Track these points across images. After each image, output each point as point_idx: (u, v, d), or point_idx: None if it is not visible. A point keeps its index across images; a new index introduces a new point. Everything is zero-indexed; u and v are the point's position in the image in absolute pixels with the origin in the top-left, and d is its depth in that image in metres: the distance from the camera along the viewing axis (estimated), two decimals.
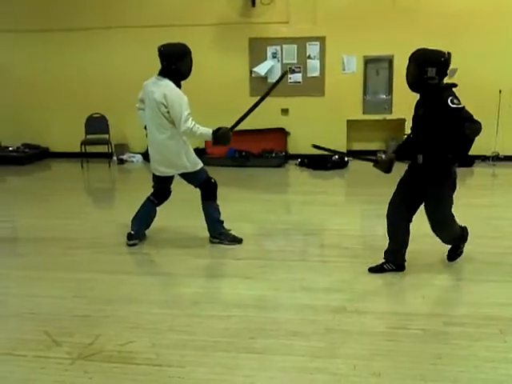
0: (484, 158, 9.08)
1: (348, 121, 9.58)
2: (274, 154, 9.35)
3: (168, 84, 4.42)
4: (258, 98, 4.71)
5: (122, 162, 9.73)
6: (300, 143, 9.60)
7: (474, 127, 3.56)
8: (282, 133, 9.57)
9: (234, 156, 9.17)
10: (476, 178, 8.34)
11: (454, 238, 4.13)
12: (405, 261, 4.13)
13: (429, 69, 3.63)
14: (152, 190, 4.92)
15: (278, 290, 3.88)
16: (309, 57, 9.48)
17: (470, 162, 8.87)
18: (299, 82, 9.50)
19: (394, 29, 9.04)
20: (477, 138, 7.69)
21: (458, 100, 3.61)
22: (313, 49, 9.44)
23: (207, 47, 9.46)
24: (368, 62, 9.50)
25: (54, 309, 3.60)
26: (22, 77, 10.03)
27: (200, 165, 4.74)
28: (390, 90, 9.59)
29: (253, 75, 9.60)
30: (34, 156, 9.93)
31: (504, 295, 3.72)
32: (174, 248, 4.83)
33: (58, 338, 3.18)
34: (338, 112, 9.46)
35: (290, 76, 9.50)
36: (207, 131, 4.45)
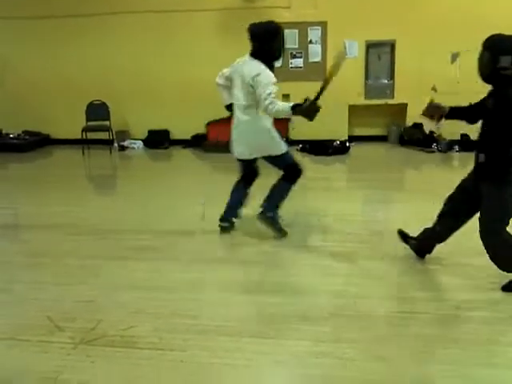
0: None
1: (350, 106, 9.55)
2: None
3: (257, 65, 4.22)
4: None
5: (123, 148, 9.72)
6: (301, 129, 9.56)
7: None
8: (283, 118, 9.49)
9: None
10: None
11: (506, 255, 3.53)
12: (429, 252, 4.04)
13: (502, 57, 3.22)
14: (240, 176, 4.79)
15: (280, 275, 3.89)
16: (310, 42, 9.42)
17: (471, 146, 8.82)
18: (301, 67, 9.46)
19: (396, 13, 8.98)
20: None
21: None
22: (314, 33, 9.37)
23: (210, 33, 9.44)
24: (370, 46, 9.44)
25: (58, 295, 3.61)
26: (22, 64, 9.99)
27: (286, 148, 4.53)
28: (391, 75, 9.55)
29: None
30: (34, 143, 9.93)
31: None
32: (176, 235, 4.83)
33: (61, 323, 3.19)
34: (339, 97, 9.36)
35: (291, 61, 9.46)
36: (285, 106, 4.10)
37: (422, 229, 3.94)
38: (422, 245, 4.04)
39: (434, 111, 3.68)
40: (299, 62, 9.48)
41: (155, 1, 9.38)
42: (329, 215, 5.52)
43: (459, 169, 8.10)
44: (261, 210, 4.66)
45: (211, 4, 9.29)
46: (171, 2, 9.28)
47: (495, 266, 3.53)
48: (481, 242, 3.47)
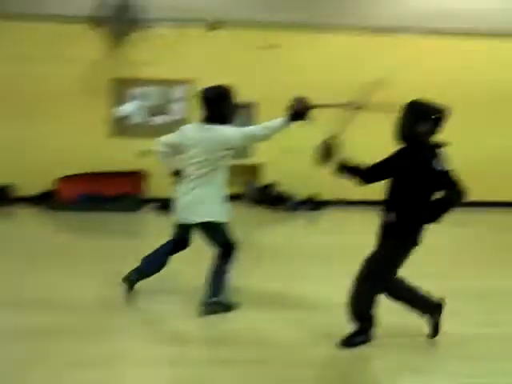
0: (335, 203, 9.48)
1: None
2: (131, 198, 8.96)
3: (221, 128, 4.09)
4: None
5: None
6: (159, 186, 9.34)
7: (461, 196, 3.34)
8: (138, 175, 9.25)
9: (85, 200, 8.66)
10: (325, 222, 8.62)
11: (360, 304, 3.56)
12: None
13: (420, 124, 3.34)
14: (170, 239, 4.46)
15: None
16: (174, 100, 9.43)
17: (320, 206, 9.27)
18: (162, 125, 9.36)
19: (259, 75, 9.29)
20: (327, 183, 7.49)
21: (444, 161, 3.37)
22: (178, 92, 9.41)
23: (68, 84, 9.02)
24: None
25: None
26: None
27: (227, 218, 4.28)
28: None
29: (114, 116, 9.29)
30: None
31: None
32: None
33: None
34: None
35: (153, 118, 9.39)
36: (276, 122, 4.01)
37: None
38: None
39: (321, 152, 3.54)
40: (162, 119, 9.43)
41: None
42: (182, 276, 5.26)
43: (306, 227, 8.41)
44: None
45: (70, 55, 8.94)
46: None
47: None
48: None
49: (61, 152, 9.00)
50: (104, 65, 9.17)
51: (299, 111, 3.99)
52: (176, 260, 4.50)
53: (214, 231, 4.22)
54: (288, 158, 9.58)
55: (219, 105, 4.16)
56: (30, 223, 8.07)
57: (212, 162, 4.13)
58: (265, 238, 7.68)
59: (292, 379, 3.17)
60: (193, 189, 4.17)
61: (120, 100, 9.31)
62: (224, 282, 4.23)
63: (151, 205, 9.03)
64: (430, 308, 3.65)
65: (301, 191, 9.37)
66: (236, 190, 9.89)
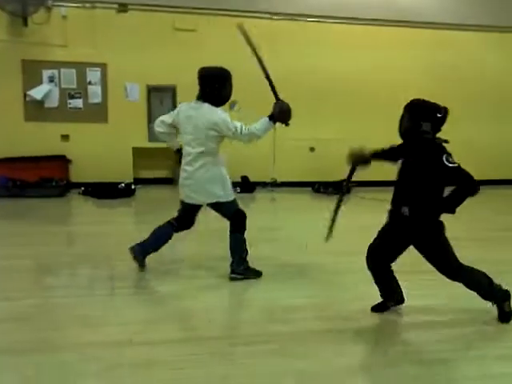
0: (264, 184, 9.76)
1: (133, 148, 9.46)
2: (54, 183, 8.72)
3: (211, 108, 4.31)
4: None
5: None
6: (83, 171, 9.17)
7: (474, 189, 3.40)
8: (62, 160, 9.00)
9: (6, 185, 8.33)
10: (258, 203, 8.88)
11: (476, 283, 3.67)
12: (401, 292, 3.89)
13: (424, 123, 3.46)
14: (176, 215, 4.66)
15: (59, 329, 3.53)
16: (89, 83, 9.16)
17: (251, 188, 9.46)
18: (80, 108, 9.11)
19: (175, 58, 9.26)
20: (258, 165, 8.16)
21: (452, 157, 3.45)
22: (93, 75, 9.16)
23: None
24: (151, 90, 9.55)
25: None
26: None
27: (233, 196, 4.52)
28: None
29: (27, 99, 8.91)
30: None
31: (281, 311, 3.94)
32: None
33: None
34: (122, 139, 9.29)
35: (69, 101, 9.08)
36: (263, 121, 4.38)
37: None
38: (398, 295, 3.92)
39: (358, 160, 3.84)
40: (78, 102, 9.14)
41: None
42: (113, 261, 5.28)
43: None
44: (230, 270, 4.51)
45: None
46: None
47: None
48: None
49: None
50: (10, 45, 8.76)
51: (282, 116, 4.44)
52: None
53: (220, 208, 4.50)
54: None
55: (214, 85, 4.34)
56: None
57: (202, 141, 4.29)
58: None
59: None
60: (193, 168, 4.37)
61: (31, 83, 8.95)
62: (244, 250, 4.51)
63: (75, 190, 8.84)
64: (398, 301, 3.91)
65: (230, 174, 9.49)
66: (167, 173, 9.93)
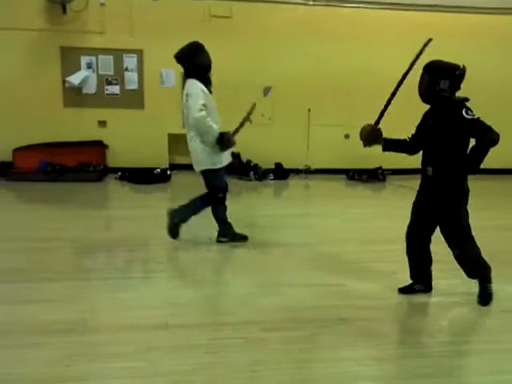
0: (298, 171, 9.73)
1: (169, 134, 9.54)
2: (91, 168, 8.89)
3: (190, 82, 4.75)
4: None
5: None
6: (120, 156, 9.31)
7: (493, 137, 3.45)
8: (99, 145, 9.17)
9: (46, 170, 8.51)
10: (291, 190, 8.88)
11: (474, 258, 3.80)
12: (431, 280, 3.99)
13: (442, 81, 3.57)
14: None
15: (97, 311, 3.64)
16: (126, 69, 9.26)
17: (284, 175, 9.46)
18: (117, 95, 9.23)
19: (210, 46, 9.22)
20: (292, 152, 8.20)
21: (472, 111, 3.55)
22: (130, 61, 9.25)
23: (16, 54, 8.75)
24: None
25: None
26: None
27: (218, 166, 4.89)
28: None
29: (66, 85, 9.08)
30: None
31: (313, 298, 3.95)
32: None
33: None
34: (158, 125, 9.38)
35: (106, 88, 9.21)
36: (214, 129, 4.70)
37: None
38: (427, 281, 4.01)
39: (372, 140, 3.96)
40: (115, 88, 9.25)
41: None
42: (149, 244, 5.38)
43: (274, 195, 8.57)
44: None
45: (16, 24, 8.61)
46: None
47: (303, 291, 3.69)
48: None
49: (17, 122, 8.78)
50: (49, 33, 8.91)
51: (227, 142, 4.82)
52: None
53: (205, 178, 4.95)
54: (248, 129, 9.70)
55: (189, 61, 4.83)
56: None
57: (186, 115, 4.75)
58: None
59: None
60: (189, 139, 4.88)
61: (70, 70, 9.10)
62: (223, 217, 5.04)
63: (112, 175, 9.01)
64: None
65: (263, 161, 9.51)
66: None
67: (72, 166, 8.81)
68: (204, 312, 3.66)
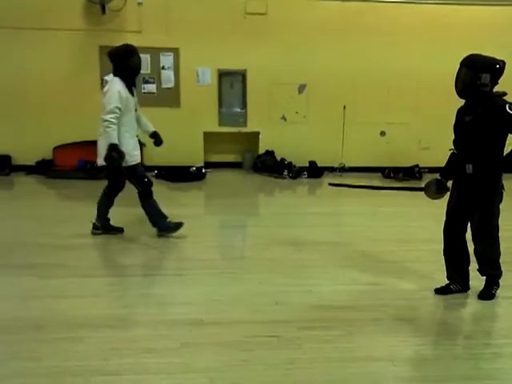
0: (332, 170, 9.66)
1: (205, 133, 9.62)
2: None
3: (112, 80, 4.87)
4: None
5: None
6: (156, 154, 9.42)
7: None
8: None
9: (84, 168, 8.69)
10: (325, 188, 8.82)
11: (493, 256, 3.80)
12: (469, 280, 3.94)
13: (483, 75, 3.49)
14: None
15: (132, 307, 3.70)
16: (163, 67, 9.38)
17: (318, 173, 9.41)
18: (154, 93, 9.35)
19: (246, 43, 9.30)
20: (326, 150, 8.13)
21: None
22: (166, 60, 9.36)
23: (58, 54, 8.96)
24: (222, 74, 9.64)
25: None
26: None
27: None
28: (244, 104, 9.82)
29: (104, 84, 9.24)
30: None
31: (348, 297, 3.92)
32: (13, 268, 4.40)
33: None
34: (194, 124, 9.46)
35: (143, 86, 9.34)
36: (113, 137, 4.73)
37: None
38: (464, 281, 3.96)
39: (430, 190, 3.96)
40: (152, 87, 9.38)
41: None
42: (184, 242, 5.44)
43: (307, 194, 8.55)
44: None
45: (56, 24, 8.82)
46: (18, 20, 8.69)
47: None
48: None
49: (57, 121, 8.99)
50: (88, 32, 9.08)
51: (110, 157, 4.76)
52: None
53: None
54: (282, 127, 9.72)
55: (119, 60, 4.91)
56: (30, 191, 8.14)
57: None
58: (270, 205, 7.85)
59: None
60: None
61: (108, 69, 9.25)
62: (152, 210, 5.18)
63: (149, 173, 9.12)
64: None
65: (297, 159, 9.48)
66: (236, 157, 10.06)
67: None
68: (238, 310, 3.67)
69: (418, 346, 3.19)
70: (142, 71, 9.24)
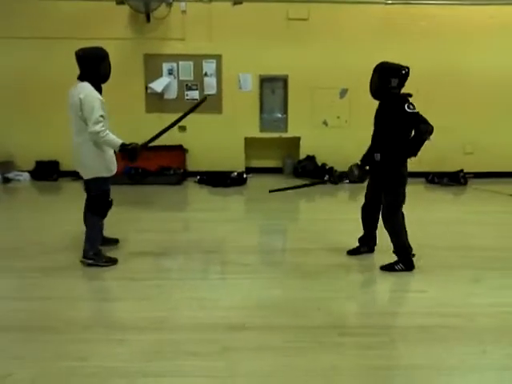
0: None
1: (246, 138, 9.69)
2: (172, 171, 9.20)
3: (84, 86, 4.37)
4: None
5: (7, 180, 9.10)
6: (199, 160, 9.56)
7: (427, 128, 4.11)
8: (179, 150, 9.46)
9: (129, 173, 8.89)
10: None
11: (397, 232, 4.47)
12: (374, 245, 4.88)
13: (392, 79, 4.23)
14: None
15: (176, 310, 3.76)
16: (205, 74, 9.50)
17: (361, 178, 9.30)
18: (196, 99, 9.48)
19: (287, 49, 9.32)
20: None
21: (414, 106, 4.16)
22: (209, 66, 9.48)
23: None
24: (264, 80, 9.70)
25: None
26: None
27: (105, 174, 4.57)
28: (285, 109, 9.84)
29: (148, 91, 9.45)
30: None
31: (392, 304, 3.87)
32: (61, 270, 4.53)
33: None
34: (235, 129, 9.54)
35: (186, 93, 9.48)
36: (116, 141, 4.40)
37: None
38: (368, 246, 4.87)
39: (352, 175, 4.74)
40: (195, 93, 9.52)
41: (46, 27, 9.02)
42: (226, 246, 5.48)
43: (350, 199, 8.47)
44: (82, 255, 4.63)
45: (102, 33, 9.03)
46: (65, 30, 8.98)
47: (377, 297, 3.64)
48: None
49: None
50: (134, 41, 9.29)
51: (129, 154, 4.48)
52: None
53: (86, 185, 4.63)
54: (323, 132, 9.69)
55: (91, 64, 4.39)
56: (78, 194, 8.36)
57: (75, 119, 4.39)
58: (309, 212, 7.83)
59: None
60: (73, 145, 4.52)
61: (152, 76, 9.45)
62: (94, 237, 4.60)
63: (191, 178, 9.27)
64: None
65: (339, 164, 9.40)
66: (277, 162, 10.08)
67: (154, 169, 9.15)
68: (281, 315, 3.67)
69: (464, 355, 3.11)
70: (185, 78, 9.55)
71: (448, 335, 3.34)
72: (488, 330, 3.46)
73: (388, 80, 4.24)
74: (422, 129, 4.10)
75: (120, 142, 4.41)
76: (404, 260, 4.45)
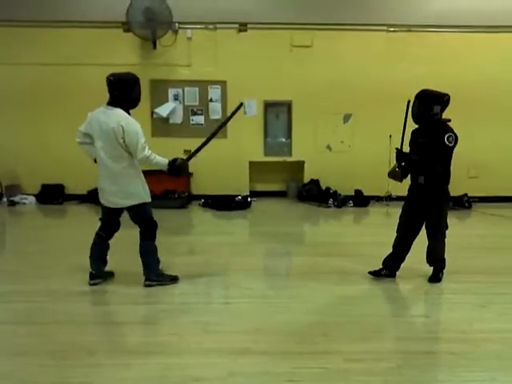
0: (378, 199, 9.57)
1: (250, 162, 9.75)
2: (176, 195, 9.24)
3: (120, 113, 4.34)
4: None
5: (12, 203, 9.15)
6: (203, 184, 9.61)
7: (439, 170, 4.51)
8: (184, 174, 9.49)
9: None
10: (372, 217, 8.73)
11: (441, 251, 4.75)
12: (397, 270, 4.91)
13: (434, 106, 4.44)
14: (99, 224, 4.78)
15: (181, 334, 3.74)
16: (210, 100, 9.61)
17: (365, 202, 9.34)
18: (201, 124, 9.58)
19: (291, 75, 9.45)
20: (372, 179, 8.39)
21: (453, 137, 4.45)
22: (214, 92, 9.59)
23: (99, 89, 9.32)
24: (268, 105, 9.80)
25: None
26: None
27: (148, 200, 4.63)
28: (289, 134, 9.92)
29: (154, 116, 9.55)
30: None
31: (397, 329, 3.85)
32: (67, 294, 4.53)
33: None
34: (240, 153, 9.62)
35: (192, 118, 9.58)
36: (163, 160, 4.49)
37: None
38: (392, 268, 4.89)
39: (395, 175, 4.77)
40: (200, 118, 9.63)
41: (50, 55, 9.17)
42: (231, 270, 5.48)
43: (353, 223, 8.46)
44: (144, 279, 4.72)
45: (109, 60, 9.20)
46: (70, 56, 9.14)
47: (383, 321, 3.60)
48: None
49: None
50: (141, 67, 9.42)
51: (177, 170, 4.53)
52: None
53: (135, 212, 4.61)
54: (327, 156, 9.75)
55: (123, 89, 4.36)
56: (83, 218, 8.41)
57: (112, 147, 4.37)
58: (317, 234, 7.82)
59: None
60: (107, 174, 4.51)
61: (158, 101, 9.57)
62: (154, 261, 4.71)
63: (196, 202, 9.31)
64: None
65: (343, 188, 9.47)
66: (281, 186, 10.13)
67: (158, 192, 9.18)
68: (286, 340, 3.65)
69: (472, 381, 3.08)
70: (191, 103, 9.66)
71: (455, 361, 3.31)
72: (495, 356, 3.43)
73: (431, 107, 4.44)
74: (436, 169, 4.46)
75: (167, 160, 4.51)
76: (442, 269, 4.79)
